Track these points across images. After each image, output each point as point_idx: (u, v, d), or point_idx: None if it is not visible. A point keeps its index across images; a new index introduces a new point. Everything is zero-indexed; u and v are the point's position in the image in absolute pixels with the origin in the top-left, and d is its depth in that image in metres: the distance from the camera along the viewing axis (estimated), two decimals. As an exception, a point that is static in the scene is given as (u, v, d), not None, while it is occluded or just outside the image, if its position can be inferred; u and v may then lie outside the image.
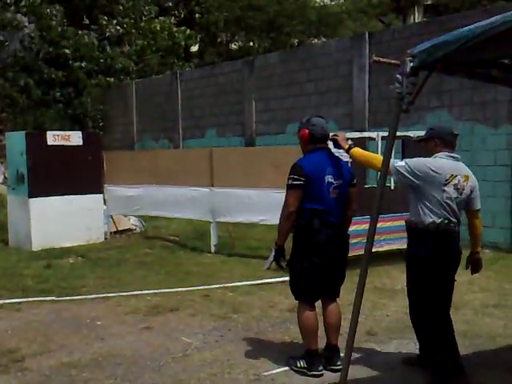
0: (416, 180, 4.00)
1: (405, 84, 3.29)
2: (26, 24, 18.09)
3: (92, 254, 8.99)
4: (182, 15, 22.43)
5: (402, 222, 7.50)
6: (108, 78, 18.02)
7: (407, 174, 4.00)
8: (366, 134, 8.32)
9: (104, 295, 6.55)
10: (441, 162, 4.05)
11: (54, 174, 9.48)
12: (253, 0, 22.17)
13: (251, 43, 23.41)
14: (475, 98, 9.37)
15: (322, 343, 4.41)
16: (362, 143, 6.63)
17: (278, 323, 5.50)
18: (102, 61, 18.27)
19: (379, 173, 3.85)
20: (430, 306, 4.05)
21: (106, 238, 10.26)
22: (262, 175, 8.33)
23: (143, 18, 19.64)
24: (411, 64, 3.26)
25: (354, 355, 4.07)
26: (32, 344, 5.04)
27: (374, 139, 7.91)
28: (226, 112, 14.15)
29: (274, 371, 4.36)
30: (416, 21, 22.64)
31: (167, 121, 15.75)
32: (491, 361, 4.56)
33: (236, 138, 13.77)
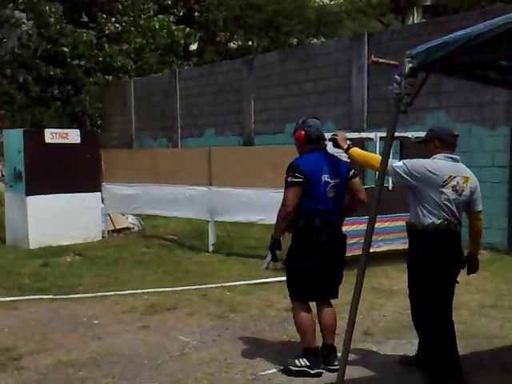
0: (413, 181, 4.00)
1: (403, 85, 3.29)
2: (25, 21, 18.06)
3: (89, 253, 8.98)
4: (181, 13, 22.42)
5: (400, 223, 7.57)
6: (106, 76, 18.01)
7: (404, 175, 4.00)
8: (364, 135, 8.34)
9: (101, 294, 6.54)
10: (439, 164, 4.05)
11: (52, 172, 9.46)
12: (252, -1, 22.20)
13: (250, 42, 23.42)
14: (473, 99, 9.39)
15: (318, 343, 4.41)
16: (360, 143, 6.63)
17: (276, 323, 5.51)
18: (100, 59, 18.26)
19: (377, 173, 3.86)
20: (430, 306, 4.05)
21: (103, 237, 10.25)
22: (260, 174, 8.34)
23: (142, 16, 19.62)
24: (410, 65, 3.26)
25: (351, 355, 4.07)
26: (29, 342, 5.04)
27: (372, 139, 7.92)
28: (224, 111, 14.14)
29: (271, 371, 4.37)
30: (415, 21, 22.66)
31: (166, 119, 15.74)
32: (488, 361, 4.57)
33: (234, 138, 13.77)
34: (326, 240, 4.16)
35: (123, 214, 10.97)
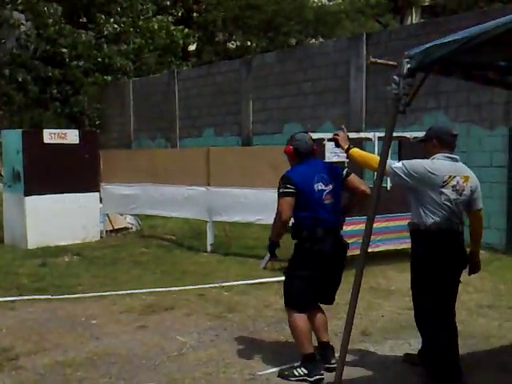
0: (413, 181, 4.00)
1: (402, 85, 3.29)
2: (23, 22, 18.05)
3: (87, 253, 8.98)
4: (180, 14, 22.42)
5: (399, 223, 7.60)
6: (105, 77, 18.00)
7: (404, 176, 3.99)
8: (362, 135, 8.34)
9: (99, 294, 6.54)
10: (438, 164, 4.04)
11: (50, 173, 9.45)
12: (251, -1, 22.20)
13: (249, 43, 23.42)
14: (471, 99, 9.40)
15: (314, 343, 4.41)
16: (359, 144, 6.63)
17: (274, 323, 5.51)
18: (99, 59, 18.25)
19: (376, 173, 3.85)
20: (433, 306, 4.04)
21: (101, 237, 10.24)
22: (258, 175, 8.33)
23: (141, 17, 19.62)
24: (408, 65, 3.27)
25: (349, 355, 4.06)
26: (26, 343, 5.03)
27: (370, 140, 7.92)
28: (223, 111, 14.14)
29: (269, 371, 4.37)
30: (413, 22, 22.70)
31: (164, 120, 15.73)
32: (485, 361, 4.57)
33: (233, 138, 13.78)
34: (328, 249, 4.19)
35: (121, 214, 10.97)
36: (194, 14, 23.50)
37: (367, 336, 5.10)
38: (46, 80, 17.88)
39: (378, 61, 3.78)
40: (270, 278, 6.99)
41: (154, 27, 19.33)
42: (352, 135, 7.79)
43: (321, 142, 7.40)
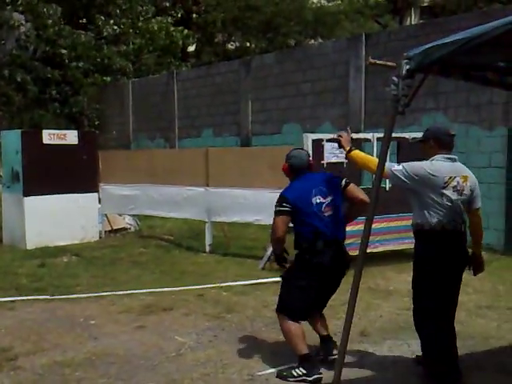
0: (414, 184, 4.01)
1: (401, 86, 3.29)
2: (23, 22, 18.05)
3: (86, 253, 8.98)
4: (179, 15, 22.43)
5: (398, 223, 7.60)
6: (104, 78, 18.00)
7: (405, 178, 4.00)
8: (361, 135, 8.34)
9: (98, 294, 6.54)
10: (438, 165, 4.04)
11: (50, 173, 9.46)
12: (250, 0, 22.18)
13: (248, 43, 23.43)
14: (470, 100, 9.40)
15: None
16: (358, 144, 6.63)
17: (272, 323, 5.49)
18: (98, 60, 18.25)
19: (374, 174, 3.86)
20: (433, 306, 4.04)
21: (100, 237, 10.25)
22: (257, 175, 8.34)
23: (140, 18, 19.62)
24: (407, 66, 3.27)
25: (348, 356, 4.06)
26: (25, 343, 5.03)
27: (369, 140, 7.92)
28: (222, 112, 14.15)
29: (268, 371, 4.37)
30: (412, 22, 22.71)
31: (163, 120, 15.73)
32: (484, 362, 4.57)
33: (232, 138, 13.78)
34: (327, 262, 4.23)
35: (120, 215, 10.97)
36: (194, 15, 23.51)
37: (366, 336, 5.11)
38: (45, 81, 17.87)
39: (377, 62, 3.78)
40: (268, 278, 6.99)
41: (153, 28, 19.34)
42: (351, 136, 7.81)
43: (320, 143, 7.42)
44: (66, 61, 17.90)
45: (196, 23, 23.08)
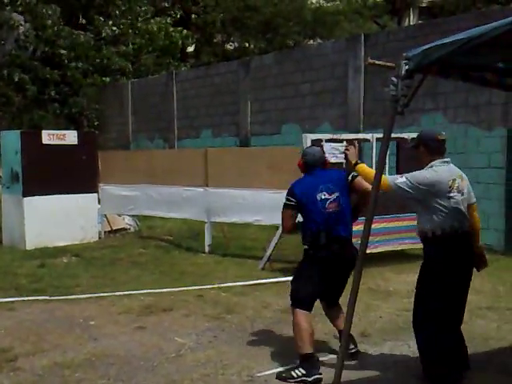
0: (420, 193, 4.03)
1: (400, 86, 3.30)
2: (22, 23, 18.04)
3: (86, 254, 8.97)
4: (178, 16, 22.42)
5: (397, 224, 7.59)
6: (104, 78, 17.99)
7: (410, 190, 4.02)
8: (360, 136, 8.34)
9: (97, 295, 6.53)
10: (440, 171, 4.08)
11: (49, 173, 9.45)
12: (249, 1, 22.19)
13: (247, 44, 23.44)
14: (469, 100, 9.40)
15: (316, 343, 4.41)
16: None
17: (272, 324, 5.50)
18: (97, 60, 18.24)
19: (373, 174, 3.86)
20: (437, 307, 4.02)
21: (100, 238, 10.24)
22: (256, 175, 8.33)
23: (139, 19, 19.62)
24: (406, 67, 3.27)
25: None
26: (25, 343, 5.03)
27: (368, 141, 7.93)
28: (221, 112, 14.15)
29: (268, 372, 4.36)
30: (411, 23, 22.71)
31: (162, 121, 15.74)
32: (484, 363, 4.56)
33: (231, 139, 13.78)
34: (330, 256, 4.32)
35: (120, 215, 10.97)
36: (193, 16, 23.51)
37: (366, 337, 5.11)
38: (44, 81, 17.87)
39: (376, 62, 3.79)
40: (268, 278, 6.98)
41: (152, 29, 19.35)
42: (350, 136, 7.83)
43: (319, 143, 7.41)
44: (66, 61, 17.90)
45: (195, 24, 23.08)
